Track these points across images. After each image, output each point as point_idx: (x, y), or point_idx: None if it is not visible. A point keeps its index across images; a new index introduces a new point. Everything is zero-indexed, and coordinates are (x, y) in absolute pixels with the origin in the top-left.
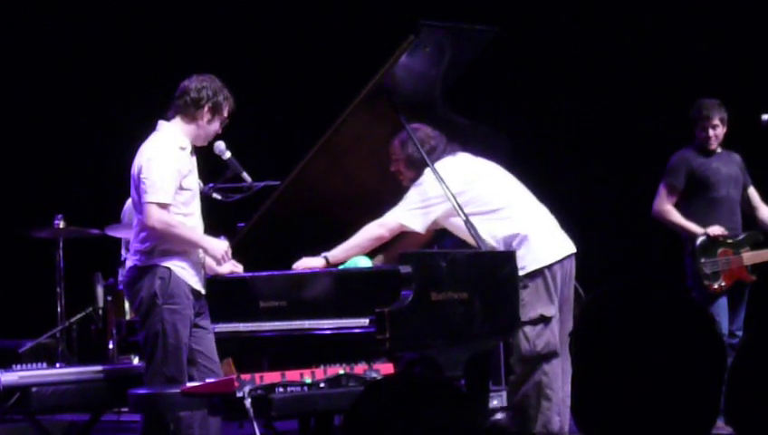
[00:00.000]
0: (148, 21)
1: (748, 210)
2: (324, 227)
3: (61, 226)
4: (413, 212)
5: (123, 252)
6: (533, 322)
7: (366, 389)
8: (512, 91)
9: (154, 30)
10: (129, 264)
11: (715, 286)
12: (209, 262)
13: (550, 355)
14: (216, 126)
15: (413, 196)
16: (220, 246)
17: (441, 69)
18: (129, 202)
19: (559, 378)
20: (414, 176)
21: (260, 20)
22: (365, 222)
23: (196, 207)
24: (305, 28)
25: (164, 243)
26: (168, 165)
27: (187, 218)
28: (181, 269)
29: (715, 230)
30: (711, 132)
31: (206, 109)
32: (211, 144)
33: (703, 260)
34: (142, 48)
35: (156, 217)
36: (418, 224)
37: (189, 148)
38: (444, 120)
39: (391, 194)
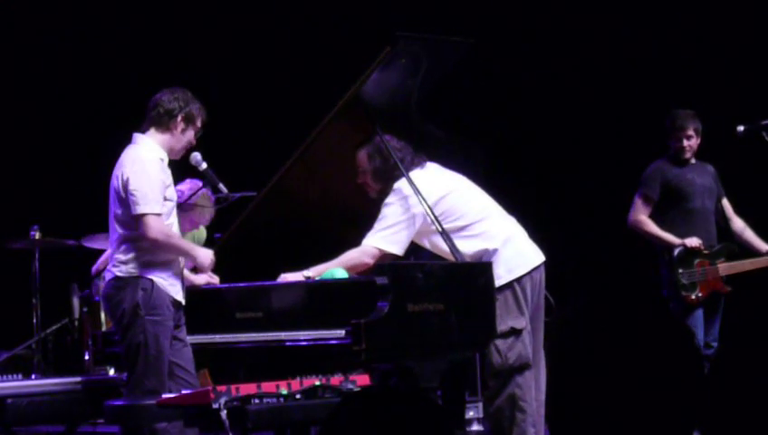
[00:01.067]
0: (120, 34)
1: (722, 222)
2: (301, 237)
3: (37, 237)
4: (389, 237)
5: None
6: (504, 335)
7: (342, 400)
8: (486, 101)
9: (128, 42)
10: (109, 274)
11: (693, 297)
12: (186, 273)
13: (522, 367)
14: (189, 136)
15: (386, 218)
16: (208, 255)
17: (417, 80)
18: None
19: (532, 390)
20: (381, 188)
21: (237, 31)
22: (342, 232)
23: (174, 217)
24: (283, 40)
25: (146, 254)
26: (154, 176)
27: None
28: (163, 280)
29: (693, 242)
30: (685, 142)
31: (179, 119)
32: (187, 155)
33: (680, 271)
34: (116, 61)
35: (156, 227)
36: (396, 247)
37: (166, 159)
38: (419, 131)
39: (369, 204)
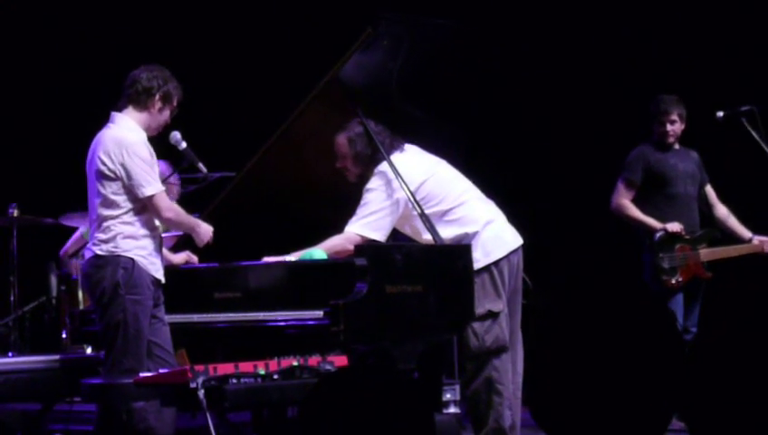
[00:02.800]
0: (96, 11)
1: (705, 208)
2: (282, 219)
3: (15, 214)
4: (371, 224)
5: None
6: (481, 318)
7: (320, 380)
8: (466, 83)
9: (106, 19)
10: (88, 253)
11: (673, 281)
12: (165, 252)
13: (499, 350)
14: (166, 115)
15: (368, 204)
16: (209, 231)
17: (398, 62)
18: None
19: (509, 372)
20: (361, 172)
21: (218, 10)
22: (324, 215)
23: None
24: (264, 19)
25: (127, 233)
26: (147, 157)
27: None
28: (143, 259)
29: (674, 226)
30: (669, 127)
31: (156, 97)
32: (166, 134)
33: (661, 255)
34: (94, 38)
35: (166, 206)
36: (378, 234)
37: (145, 138)
38: (399, 113)
39: (350, 187)
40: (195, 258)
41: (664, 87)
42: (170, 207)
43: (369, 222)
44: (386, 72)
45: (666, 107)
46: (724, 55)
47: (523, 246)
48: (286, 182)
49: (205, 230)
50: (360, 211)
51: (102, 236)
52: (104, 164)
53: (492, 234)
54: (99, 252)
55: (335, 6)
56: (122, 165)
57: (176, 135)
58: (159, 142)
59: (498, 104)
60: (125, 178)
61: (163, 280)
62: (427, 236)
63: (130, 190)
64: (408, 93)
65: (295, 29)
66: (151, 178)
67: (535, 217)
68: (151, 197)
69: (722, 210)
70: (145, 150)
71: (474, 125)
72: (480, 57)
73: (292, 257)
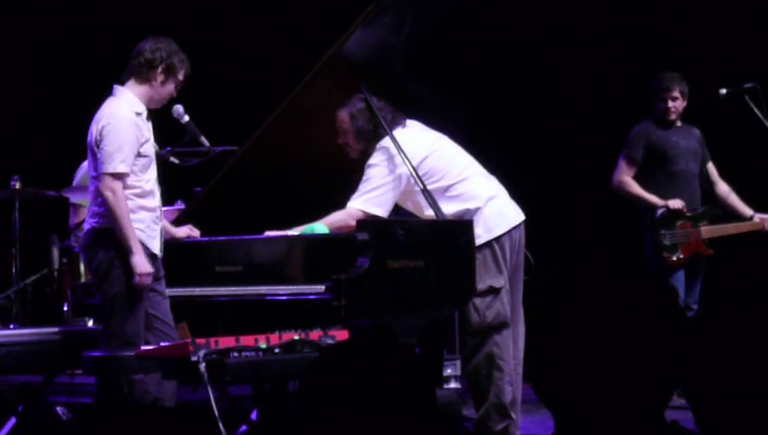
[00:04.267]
0: None
1: (706, 185)
2: (284, 193)
3: (17, 187)
4: (373, 199)
5: (72, 219)
6: (482, 293)
7: (321, 353)
8: (469, 59)
9: None
10: (86, 226)
11: (674, 258)
12: (166, 225)
13: (500, 326)
14: (170, 88)
15: (370, 180)
16: (144, 267)
17: (401, 37)
18: (83, 165)
19: (510, 348)
20: (363, 148)
21: None
22: (324, 189)
23: (153, 172)
24: None
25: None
26: (124, 134)
27: (146, 184)
28: (140, 233)
29: (676, 203)
30: (670, 104)
31: (159, 70)
32: (169, 107)
33: (662, 232)
34: (98, 11)
35: (109, 186)
36: (381, 210)
37: (145, 112)
38: (402, 89)
39: (350, 161)
40: (196, 232)
41: (666, 64)
42: (113, 190)
43: (371, 197)
44: (389, 47)
45: (667, 84)
46: (727, 32)
47: (524, 221)
48: (288, 157)
49: (140, 261)
50: (362, 187)
51: (98, 209)
52: (93, 137)
53: (494, 210)
54: (95, 225)
55: None
56: (98, 138)
57: (178, 108)
58: (161, 115)
59: (500, 80)
60: (96, 150)
61: (160, 254)
62: (429, 212)
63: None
64: (411, 69)
65: (299, 3)
66: (114, 157)
67: (536, 193)
68: (101, 174)
69: (723, 187)
70: (125, 128)
71: (476, 101)
72: (482, 32)
73: (293, 232)
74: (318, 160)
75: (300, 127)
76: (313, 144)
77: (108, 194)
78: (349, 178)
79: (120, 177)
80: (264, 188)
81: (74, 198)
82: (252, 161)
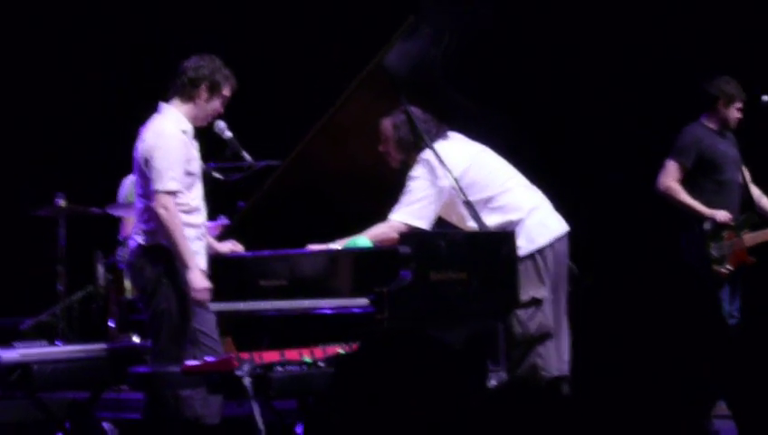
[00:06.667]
0: (149, 1)
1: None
2: (327, 207)
3: (62, 204)
4: (416, 212)
5: (122, 232)
6: (525, 305)
7: (363, 341)
8: (511, 70)
9: (155, 9)
10: (133, 243)
11: (723, 270)
12: (211, 241)
13: (543, 337)
14: (215, 105)
15: (412, 192)
16: (201, 282)
17: (441, 49)
18: (126, 180)
19: (553, 358)
20: (403, 158)
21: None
22: (368, 203)
23: (199, 190)
24: (308, 7)
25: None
26: (174, 152)
27: (193, 201)
28: None
29: (723, 216)
30: (738, 114)
31: (203, 88)
32: (212, 123)
33: (711, 244)
34: (144, 28)
35: (162, 203)
36: (423, 222)
37: (191, 130)
38: (443, 100)
39: (394, 175)
40: (240, 247)
41: (705, 68)
42: (167, 207)
43: (414, 210)
44: (429, 60)
45: (739, 93)
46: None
47: (569, 233)
48: (331, 170)
49: (196, 277)
50: (404, 199)
51: (145, 226)
52: (141, 154)
53: (536, 221)
54: (142, 242)
55: None
56: (148, 156)
57: (220, 124)
58: (203, 131)
59: (541, 90)
60: (145, 167)
61: (206, 268)
62: (471, 224)
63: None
64: (453, 80)
65: (339, 17)
66: (165, 175)
67: (580, 203)
68: (154, 192)
69: (755, 191)
70: (174, 145)
71: (518, 112)
72: (522, 43)
73: (336, 245)
74: (360, 174)
75: (341, 140)
76: (355, 157)
77: (162, 211)
78: (391, 191)
79: (172, 194)
80: (306, 202)
81: (118, 213)
82: (294, 175)
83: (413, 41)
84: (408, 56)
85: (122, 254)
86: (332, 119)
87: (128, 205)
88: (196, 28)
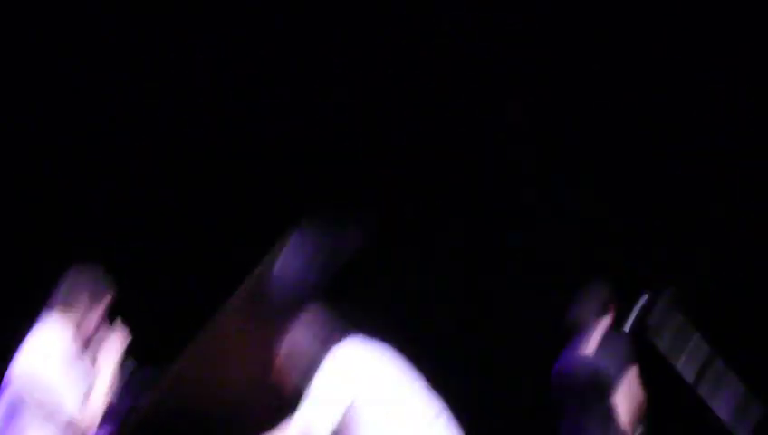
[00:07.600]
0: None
1: None
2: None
3: None
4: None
5: None
6: None
7: None
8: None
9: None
10: None
11: None
12: None
13: None
14: None
15: (307, 407)
16: None
17: (322, 262)
18: None
19: None
20: (296, 383)
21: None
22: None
23: None
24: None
25: None
26: None
27: None
28: None
29: None
30: None
31: None
32: None
33: None
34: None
35: None
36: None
37: None
38: (334, 312)
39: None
40: None
41: None
42: None
43: (309, 422)
44: (312, 273)
45: None
46: None
47: None
48: (207, 394)
49: None
50: (298, 415)
51: None
52: None
53: None
54: None
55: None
56: None
57: None
58: None
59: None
60: None
61: None
62: None
63: None
64: (338, 294)
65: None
66: None
67: None
68: None
69: None
70: None
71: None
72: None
73: None
74: (244, 394)
75: (219, 364)
76: (235, 379)
77: None
78: (280, 410)
79: None
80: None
81: None
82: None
83: (294, 255)
84: (289, 270)
85: None
86: (206, 340)
87: None
88: None
